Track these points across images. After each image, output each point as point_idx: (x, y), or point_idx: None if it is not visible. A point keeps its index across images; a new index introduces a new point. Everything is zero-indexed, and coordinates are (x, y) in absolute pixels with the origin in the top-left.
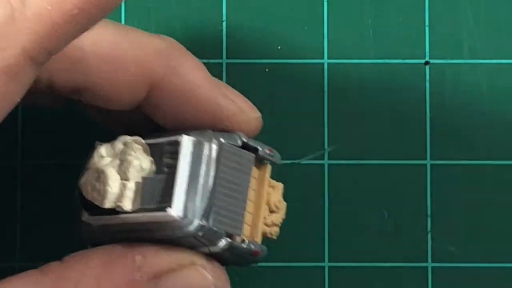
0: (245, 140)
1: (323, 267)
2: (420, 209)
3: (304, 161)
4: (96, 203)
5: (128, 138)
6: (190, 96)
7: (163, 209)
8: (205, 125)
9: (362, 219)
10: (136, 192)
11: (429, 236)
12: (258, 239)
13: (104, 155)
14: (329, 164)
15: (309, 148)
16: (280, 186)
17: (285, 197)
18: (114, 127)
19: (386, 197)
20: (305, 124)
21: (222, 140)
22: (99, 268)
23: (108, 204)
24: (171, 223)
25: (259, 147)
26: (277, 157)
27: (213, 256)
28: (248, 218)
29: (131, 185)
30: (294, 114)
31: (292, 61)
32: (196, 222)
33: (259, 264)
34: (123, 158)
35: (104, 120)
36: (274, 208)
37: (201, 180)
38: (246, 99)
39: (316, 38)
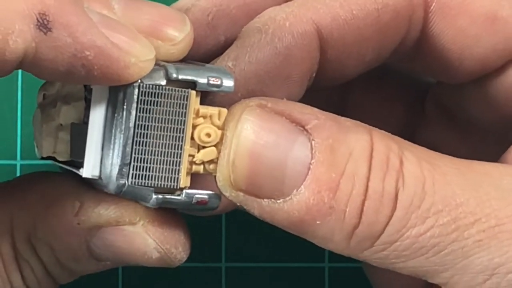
0: (174, 75)
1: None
2: None
3: None
4: (37, 149)
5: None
6: None
7: (79, 167)
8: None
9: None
10: (67, 142)
11: None
12: (184, 183)
13: (45, 96)
14: None
15: None
16: (214, 113)
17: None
18: None
19: None
20: None
21: (140, 81)
22: (38, 202)
23: (45, 154)
24: (93, 181)
25: (198, 79)
26: (226, 86)
27: (163, 208)
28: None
29: (62, 136)
30: None
31: None
32: (113, 181)
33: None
34: (57, 99)
35: None
36: (200, 143)
37: (116, 131)
38: None
39: None
